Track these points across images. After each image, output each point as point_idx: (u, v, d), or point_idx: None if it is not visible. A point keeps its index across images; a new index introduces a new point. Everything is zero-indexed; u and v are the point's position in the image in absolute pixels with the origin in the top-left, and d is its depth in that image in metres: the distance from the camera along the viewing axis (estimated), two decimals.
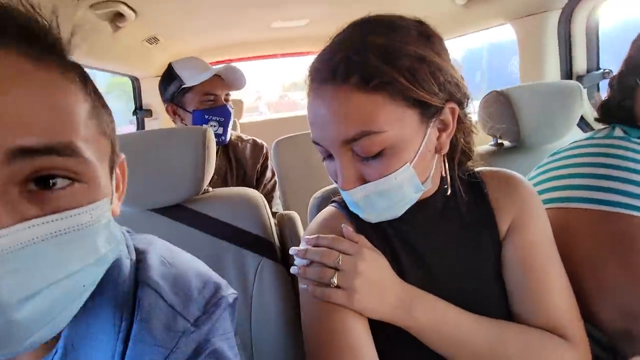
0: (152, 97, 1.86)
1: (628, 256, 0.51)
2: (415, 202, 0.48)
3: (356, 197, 0.45)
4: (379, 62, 0.40)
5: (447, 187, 0.51)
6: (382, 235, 0.53)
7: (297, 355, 0.76)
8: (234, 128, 2.04)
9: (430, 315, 0.45)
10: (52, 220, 0.25)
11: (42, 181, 0.26)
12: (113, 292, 0.34)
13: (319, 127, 0.45)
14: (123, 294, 0.34)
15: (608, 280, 0.51)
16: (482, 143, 1.01)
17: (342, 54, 0.41)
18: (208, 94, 1.07)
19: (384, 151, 0.42)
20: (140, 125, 1.94)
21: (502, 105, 0.90)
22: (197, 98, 1.06)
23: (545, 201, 0.60)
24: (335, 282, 0.45)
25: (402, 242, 0.52)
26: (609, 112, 0.67)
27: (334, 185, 0.63)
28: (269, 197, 1.27)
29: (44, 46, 0.27)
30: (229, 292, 0.39)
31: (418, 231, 0.52)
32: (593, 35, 1.27)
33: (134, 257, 0.38)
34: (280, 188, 1.36)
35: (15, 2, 0.26)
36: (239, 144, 1.25)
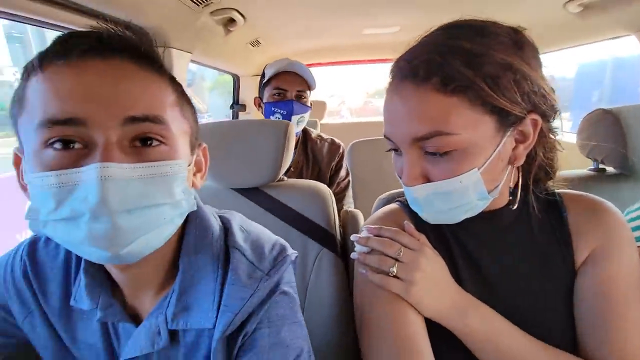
0: (248, 94, 2.08)
1: None
2: (480, 210, 0.47)
3: (417, 195, 0.46)
4: (461, 66, 0.40)
5: (515, 200, 0.49)
6: (441, 239, 0.53)
7: (345, 345, 0.79)
8: (314, 127, 2.16)
9: (484, 325, 0.44)
10: (146, 167, 0.37)
11: (143, 140, 0.38)
12: (210, 250, 0.46)
13: (393, 123, 0.46)
14: (217, 252, 0.47)
15: None
16: (579, 167, 0.90)
17: (425, 55, 0.42)
18: (277, 88, 1.19)
19: (453, 153, 0.42)
20: (235, 117, 2.18)
21: (608, 125, 0.79)
22: (270, 92, 1.20)
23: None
24: (395, 271, 0.47)
25: (460, 249, 0.51)
26: None
27: (401, 189, 0.64)
28: (341, 195, 1.33)
29: (147, 58, 0.40)
30: (291, 252, 0.50)
31: (479, 241, 0.51)
32: None
33: (220, 225, 0.50)
34: (352, 188, 1.41)
35: (128, 30, 0.41)
36: (318, 142, 1.33)
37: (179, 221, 0.42)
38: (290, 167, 1.27)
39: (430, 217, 0.49)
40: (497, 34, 0.43)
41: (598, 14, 1.15)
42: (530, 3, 1.17)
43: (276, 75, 1.18)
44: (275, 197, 0.89)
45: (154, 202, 0.38)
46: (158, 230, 0.39)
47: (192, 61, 1.25)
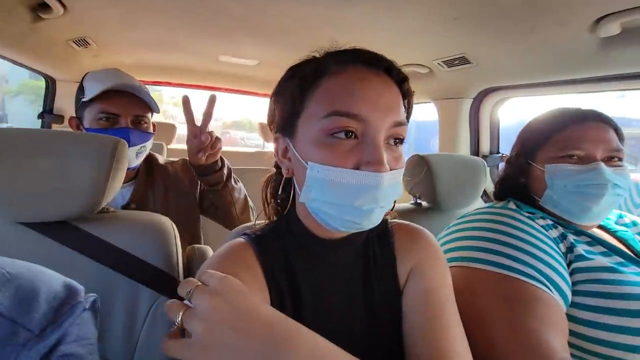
0: (67, 102, 1.65)
1: (517, 319, 0.54)
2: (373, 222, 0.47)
3: (386, 183, 0.43)
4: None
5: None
6: (288, 272, 0.50)
7: None
8: (160, 152, 1.89)
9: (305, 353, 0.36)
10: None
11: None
12: None
13: (371, 103, 0.43)
14: None
15: (496, 339, 0.54)
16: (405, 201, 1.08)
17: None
18: (106, 112, 0.88)
19: (403, 144, 0.47)
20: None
21: (422, 167, 0.98)
22: (94, 115, 0.89)
23: (451, 259, 0.64)
24: (178, 321, 0.36)
25: (306, 279, 0.50)
26: (505, 188, 0.78)
27: (260, 221, 0.59)
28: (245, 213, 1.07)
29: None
30: (85, 296, 0.39)
31: (326, 268, 0.51)
32: (495, 125, 1.52)
33: None
34: (201, 221, 1.25)
35: None
36: (169, 167, 1.08)
37: None
38: (129, 202, 0.97)
39: (378, 214, 0.46)
40: None
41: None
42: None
43: (104, 94, 0.86)
44: (92, 233, 0.68)
45: None
46: None
47: None
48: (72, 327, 0.35)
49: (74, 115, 0.96)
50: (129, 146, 0.85)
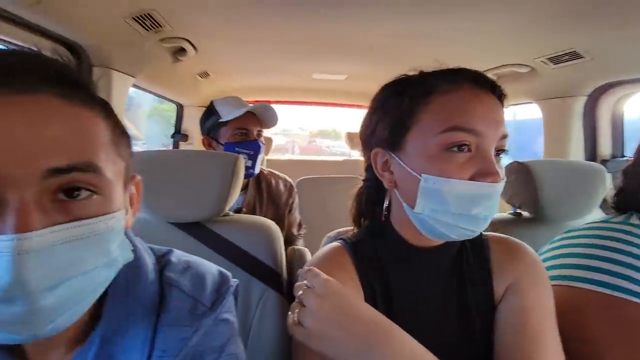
0: (191, 124, 2.00)
1: (634, 344, 0.49)
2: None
3: (499, 191, 0.47)
4: None
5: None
6: (381, 277, 0.54)
7: None
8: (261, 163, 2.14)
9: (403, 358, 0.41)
10: (74, 227, 0.30)
11: (68, 192, 0.31)
12: (142, 291, 0.41)
13: (485, 118, 0.47)
14: (151, 292, 0.42)
15: None
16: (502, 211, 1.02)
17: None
18: (241, 128, 1.15)
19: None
20: (176, 147, 2.07)
21: (522, 175, 0.92)
22: (230, 132, 1.15)
23: (554, 277, 0.59)
24: (297, 318, 0.44)
25: (399, 285, 0.53)
26: (626, 199, 0.68)
27: (348, 228, 0.65)
28: (299, 233, 1.31)
29: (73, 86, 0.33)
30: (233, 282, 0.49)
31: (417, 278, 0.53)
32: (619, 125, 1.30)
33: (154, 262, 0.45)
34: None
35: (52, 53, 0.34)
36: (272, 180, 1.31)
37: (112, 277, 0.36)
38: (241, 207, 1.21)
39: (488, 222, 0.49)
40: None
41: (508, 84, 1.38)
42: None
43: (240, 116, 1.14)
44: (218, 232, 0.84)
45: (84, 268, 0.31)
46: (87, 298, 0.33)
47: (134, 86, 1.17)
48: (227, 302, 0.46)
49: (202, 135, 1.22)
50: (259, 153, 1.14)
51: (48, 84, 0.31)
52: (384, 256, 0.56)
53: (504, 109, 0.52)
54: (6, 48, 0.32)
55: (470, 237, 0.49)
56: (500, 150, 0.48)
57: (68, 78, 0.33)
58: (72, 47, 0.87)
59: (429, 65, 0.53)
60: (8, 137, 0.28)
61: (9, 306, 0.28)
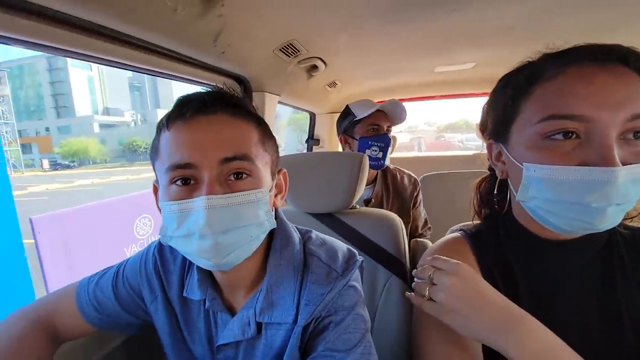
0: (321, 129, 2.25)
1: None
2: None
3: (620, 179, 0.40)
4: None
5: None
6: (505, 270, 0.54)
7: None
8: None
9: (534, 341, 0.42)
10: (237, 196, 0.48)
11: (236, 174, 0.49)
12: (292, 257, 0.57)
13: (597, 101, 0.42)
14: (298, 258, 0.57)
15: None
16: None
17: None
18: (372, 124, 1.32)
19: None
20: (309, 150, 2.36)
21: None
22: (364, 128, 1.33)
23: None
24: (427, 294, 0.50)
25: (527, 282, 0.52)
26: None
27: (475, 222, 0.66)
28: (424, 231, 1.36)
29: (237, 107, 0.52)
30: (359, 258, 0.59)
31: (550, 274, 0.51)
32: None
33: (300, 237, 0.60)
34: None
35: (224, 85, 0.55)
36: (397, 175, 1.42)
37: (263, 237, 0.53)
38: (370, 198, 1.34)
39: (613, 214, 0.43)
40: None
41: None
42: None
43: (372, 113, 1.32)
44: (347, 222, 0.96)
45: (243, 223, 0.48)
46: (246, 246, 0.51)
47: (279, 102, 1.43)
48: (354, 273, 0.57)
49: (339, 134, 1.43)
50: (389, 146, 1.29)
51: (223, 108, 0.50)
52: (507, 248, 0.56)
53: None
54: (205, 89, 0.54)
55: (591, 231, 0.45)
56: (638, 132, 0.42)
57: (234, 102, 0.52)
58: (238, 79, 1.15)
59: (568, 41, 0.48)
60: (202, 140, 0.48)
61: (203, 241, 0.47)
